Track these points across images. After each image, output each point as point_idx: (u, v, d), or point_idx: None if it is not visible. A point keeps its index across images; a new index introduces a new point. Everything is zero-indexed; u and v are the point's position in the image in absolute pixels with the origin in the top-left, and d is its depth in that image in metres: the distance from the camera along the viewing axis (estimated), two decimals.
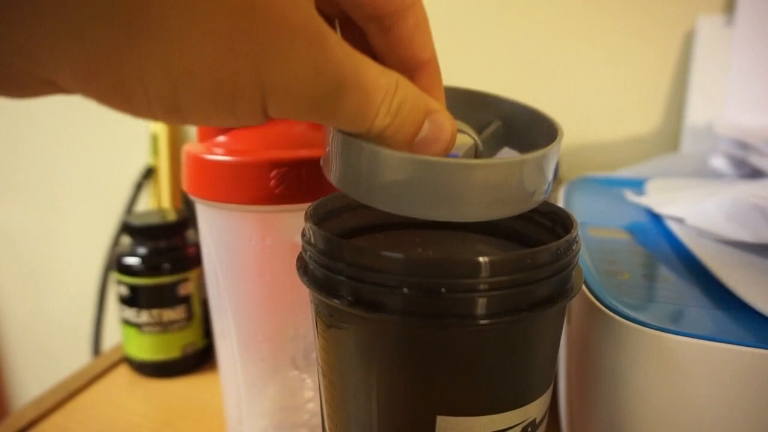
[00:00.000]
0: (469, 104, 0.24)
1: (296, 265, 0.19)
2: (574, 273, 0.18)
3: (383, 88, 0.16)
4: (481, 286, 0.16)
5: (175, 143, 0.59)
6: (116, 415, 0.37)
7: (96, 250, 0.67)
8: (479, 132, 0.23)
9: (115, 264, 0.40)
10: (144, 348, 0.41)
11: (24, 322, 0.77)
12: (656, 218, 0.34)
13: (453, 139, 0.18)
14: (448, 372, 0.17)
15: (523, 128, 0.23)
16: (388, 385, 0.17)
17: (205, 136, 0.26)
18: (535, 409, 0.18)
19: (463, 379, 0.17)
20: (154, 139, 0.61)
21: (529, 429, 0.18)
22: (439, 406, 0.17)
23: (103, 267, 0.63)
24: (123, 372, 0.42)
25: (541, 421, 0.19)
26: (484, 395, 0.17)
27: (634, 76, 0.50)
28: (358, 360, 0.18)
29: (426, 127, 0.17)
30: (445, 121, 0.17)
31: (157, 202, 0.62)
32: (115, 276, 0.41)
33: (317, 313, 0.19)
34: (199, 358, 0.42)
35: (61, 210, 0.71)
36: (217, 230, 0.26)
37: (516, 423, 0.18)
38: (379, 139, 0.17)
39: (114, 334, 0.67)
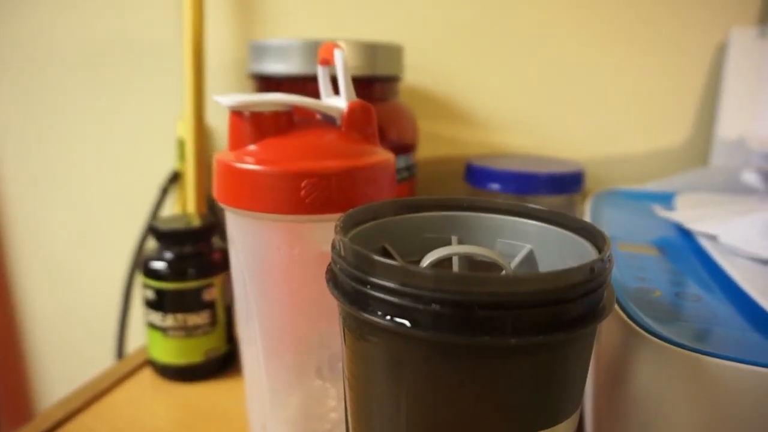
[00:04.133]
0: (498, 232, 0.24)
1: (326, 277, 0.19)
2: (606, 292, 0.18)
3: None
4: (513, 304, 0.16)
5: (202, 149, 0.59)
6: (141, 418, 0.37)
7: (122, 253, 0.69)
8: (510, 259, 0.23)
9: (142, 268, 0.41)
10: (168, 352, 0.41)
11: (51, 323, 0.78)
12: (686, 234, 0.33)
13: None
14: (477, 390, 0.17)
15: (554, 250, 0.23)
16: (415, 401, 0.17)
17: (236, 145, 0.26)
18: (563, 430, 0.18)
19: (492, 397, 0.17)
20: (181, 145, 0.62)
21: None
22: (468, 425, 0.17)
23: (129, 270, 0.64)
24: (147, 375, 0.43)
25: None
26: (512, 415, 0.17)
27: (664, 87, 0.49)
28: (387, 374, 0.18)
29: None
30: None
31: (182, 207, 0.63)
32: (141, 279, 0.41)
33: (346, 325, 0.19)
34: (222, 364, 0.43)
35: (89, 213, 0.72)
36: (246, 238, 0.27)
37: None
38: None
39: (138, 337, 0.67)
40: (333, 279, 0.19)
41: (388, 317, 0.16)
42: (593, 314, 0.17)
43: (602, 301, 0.18)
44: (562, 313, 0.16)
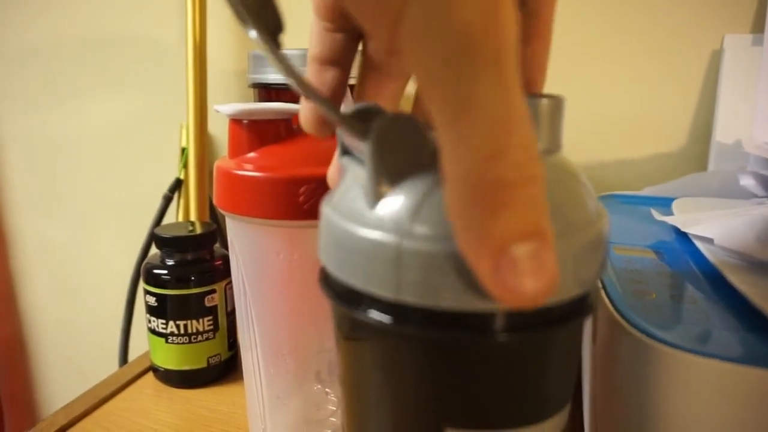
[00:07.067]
0: None
1: (318, 277, 0.20)
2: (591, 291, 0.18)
3: (522, 124, 0.12)
4: None
5: (204, 157, 0.60)
6: (143, 423, 0.38)
7: (126, 261, 0.69)
8: None
9: (144, 275, 0.41)
10: (170, 358, 0.41)
11: (54, 331, 0.79)
12: (683, 238, 0.33)
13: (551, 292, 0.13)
14: (465, 385, 0.17)
15: None
16: (404, 397, 0.18)
17: (235, 153, 0.27)
18: (551, 426, 0.18)
19: (480, 392, 0.17)
20: (184, 153, 0.63)
21: None
22: (456, 419, 0.17)
23: (132, 278, 0.65)
24: (149, 381, 0.43)
25: None
26: (500, 409, 0.17)
27: (661, 93, 0.50)
28: (376, 371, 0.18)
29: (524, 249, 0.13)
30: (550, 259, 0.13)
31: (184, 215, 0.64)
32: (143, 286, 0.42)
33: (337, 324, 0.19)
34: (223, 369, 0.43)
35: (93, 222, 0.73)
36: (246, 244, 0.27)
37: None
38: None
39: (141, 345, 0.68)
40: (325, 278, 0.19)
41: (379, 315, 0.17)
42: (578, 311, 0.17)
43: (587, 298, 0.18)
44: (548, 310, 0.16)
